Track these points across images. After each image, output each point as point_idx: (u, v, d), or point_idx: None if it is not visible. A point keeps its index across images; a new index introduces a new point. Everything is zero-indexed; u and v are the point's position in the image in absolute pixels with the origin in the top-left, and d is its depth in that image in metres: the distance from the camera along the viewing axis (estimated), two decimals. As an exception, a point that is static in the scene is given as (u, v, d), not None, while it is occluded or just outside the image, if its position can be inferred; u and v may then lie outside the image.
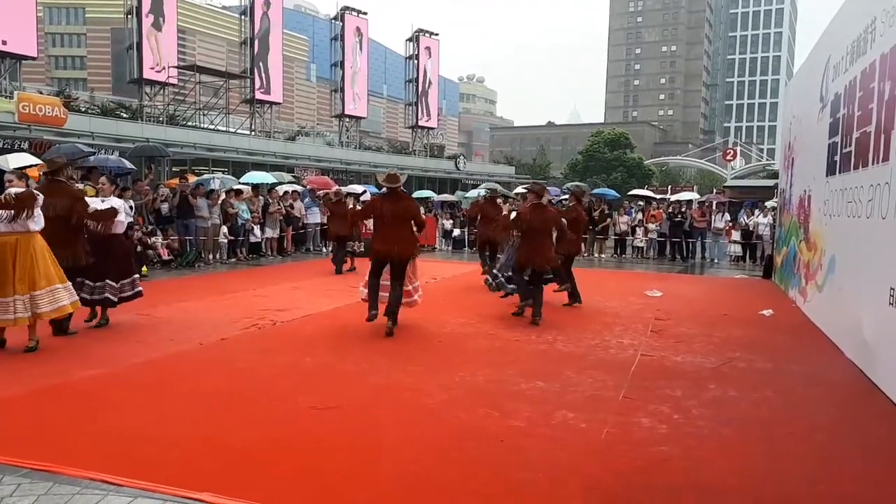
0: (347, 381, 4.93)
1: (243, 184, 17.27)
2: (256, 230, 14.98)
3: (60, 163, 6.46)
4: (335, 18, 37.74)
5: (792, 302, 9.65)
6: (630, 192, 25.58)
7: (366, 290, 6.80)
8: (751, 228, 16.79)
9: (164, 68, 27.10)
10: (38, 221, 5.53)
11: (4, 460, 3.28)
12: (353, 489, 3.10)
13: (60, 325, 6.11)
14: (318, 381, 4.95)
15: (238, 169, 25.46)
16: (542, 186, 8.07)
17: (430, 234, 18.67)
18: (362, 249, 13.18)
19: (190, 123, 29.87)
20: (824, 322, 7.43)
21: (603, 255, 17.65)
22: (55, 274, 5.61)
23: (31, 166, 10.80)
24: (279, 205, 15.83)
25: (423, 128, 42.33)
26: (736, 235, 17.42)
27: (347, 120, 37.70)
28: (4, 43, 21.13)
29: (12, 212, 5.34)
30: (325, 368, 5.31)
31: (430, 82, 41.86)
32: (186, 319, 7.30)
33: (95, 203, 6.49)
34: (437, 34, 42.28)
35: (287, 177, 21.37)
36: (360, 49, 37.39)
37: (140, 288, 6.99)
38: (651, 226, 17.88)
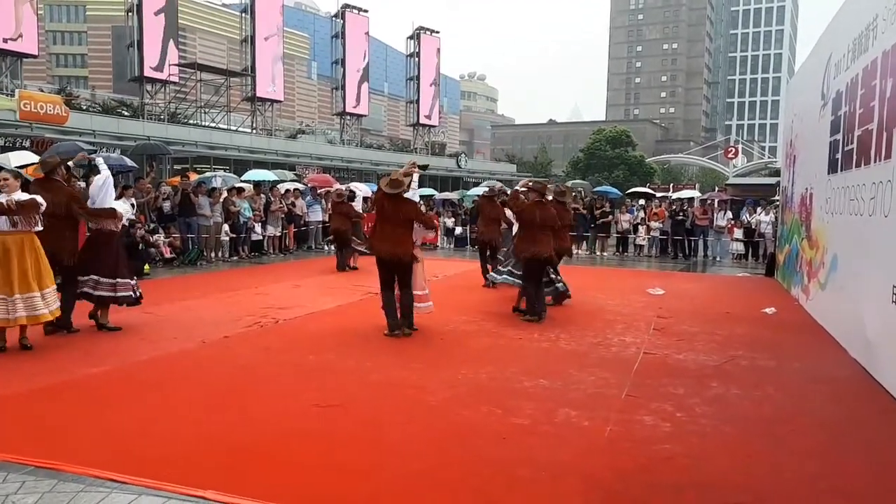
0: (350, 379, 4.94)
1: (245, 182, 17.31)
2: (258, 228, 14.99)
3: (53, 162, 6.44)
4: (336, 16, 37.77)
5: (794, 300, 9.65)
6: (630, 190, 25.49)
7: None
8: (753, 226, 16.77)
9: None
10: (38, 222, 5.53)
11: (9, 458, 3.29)
12: (356, 486, 3.10)
13: (61, 323, 6.10)
14: (321, 378, 4.96)
15: (239, 167, 25.50)
16: (543, 185, 8.14)
17: (432, 233, 18.65)
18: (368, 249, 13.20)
19: (191, 121, 29.91)
20: (827, 320, 7.43)
21: (605, 254, 17.63)
22: (47, 277, 5.58)
23: (31, 164, 10.83)
24: (281, 203, 15.84)
25: (424, 125, 42.34)
26: (738, 233, 17.37)
27: (348, 118, 37.72)
28: (5, 41, 21.16)
29: (15, 218, 5.34)
30: (327, 366, 5.32)
31: (431, 80, 41.86)
32: (189, 317, 7.31)
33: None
34: (437, 32, 42.29)
35: (289, 175, 21.35)
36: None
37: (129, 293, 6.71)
38: (653, 224, 17.87)
